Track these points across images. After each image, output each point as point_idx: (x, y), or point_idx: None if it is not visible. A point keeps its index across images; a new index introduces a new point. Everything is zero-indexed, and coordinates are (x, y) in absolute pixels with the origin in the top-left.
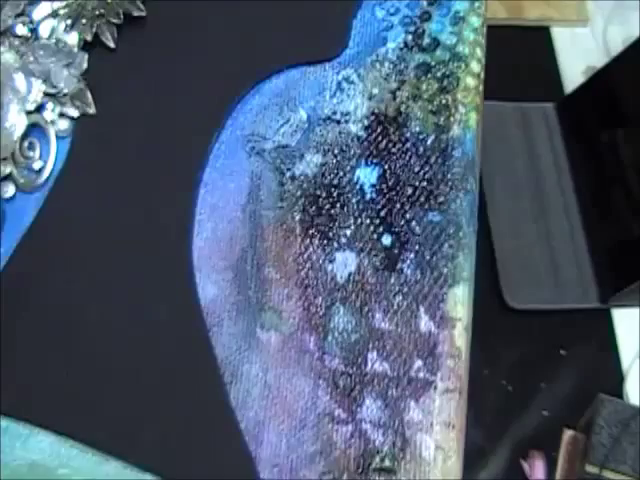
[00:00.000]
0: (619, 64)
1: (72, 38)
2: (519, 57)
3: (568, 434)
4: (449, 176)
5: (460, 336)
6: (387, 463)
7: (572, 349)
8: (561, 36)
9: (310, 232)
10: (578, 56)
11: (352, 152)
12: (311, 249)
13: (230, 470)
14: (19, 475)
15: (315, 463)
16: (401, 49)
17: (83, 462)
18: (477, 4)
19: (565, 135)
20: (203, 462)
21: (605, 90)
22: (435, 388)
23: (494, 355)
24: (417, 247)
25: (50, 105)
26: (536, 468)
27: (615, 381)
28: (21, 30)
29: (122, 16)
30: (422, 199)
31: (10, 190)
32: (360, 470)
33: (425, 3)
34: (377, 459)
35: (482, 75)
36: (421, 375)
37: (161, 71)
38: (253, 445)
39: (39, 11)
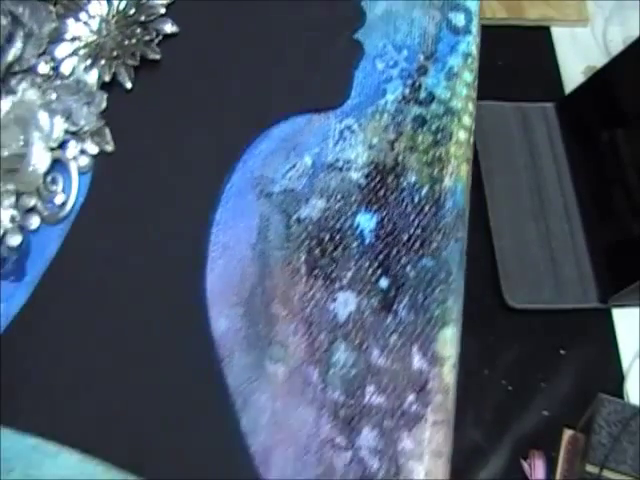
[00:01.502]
0: (619, 64)
1: (92, 78)
2: (519, 57)
3: (568, 434)
4: (441, 225)
5: (449, 373)
6: None
7: (572, 349)
8: (561, 36)
9: (314, 273)
10: (578, 56)
11: (353, 199)
12: (315, 289)
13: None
14: None
15: None
16: (399, 102)
17: (107, 479)
18: (470, 60)
19: (565, 135)
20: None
21: (605, 90)
22: (426, 420)
23: (494, 355)
24: (411, 290)
25: (72, 142)
26: (536, 468)
27: (615, 381)
28: (43, 69)
29: (138, 58)
30: (416, 246)
31: (35, 222)
32: None
33: (422, 57)
34: None
35: (473, 127)
36: (413, 408)
37: (175, 112)
38: (262, 468)
39: (61, 50)
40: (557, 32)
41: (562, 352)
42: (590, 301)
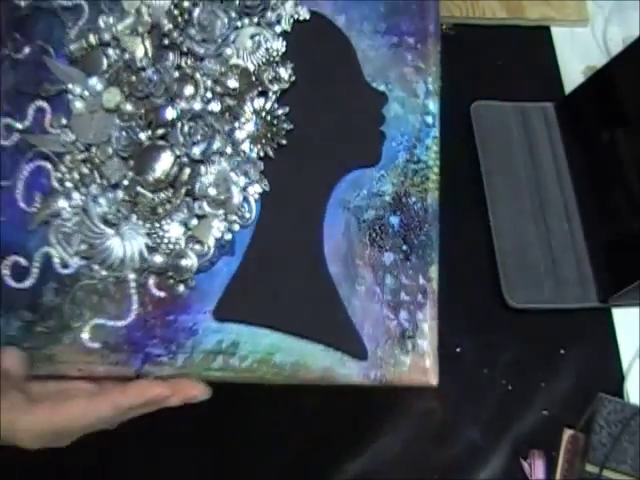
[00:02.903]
0: (619, 64)
1: (254, 153)
2: (519, 57)
3: (568, 433)
4: (428, 218)
5: (435, 283)
6: (410, 334)
7: (572, 349)
8: (561, 36)
9: (373, 244)
10: (578, 56)
11: (388, 209)
12: (374, 251)
13: (351, 338)
14: (262, 348)
15: (382, 337)
16: (405, 162)
17: (292, 342)
18: (435, 140)
19: (565, 135)
20: (348, 336)
21: (605, 90)
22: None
23: (494, 354)
24: (418, 251)
25: (249, 187)
26: (536, 467)
27: (615, 380)
28: (229, 150)
29: (276, 143)
30: (417, 229)
31: (236, 227)
32: (400, 339)
33: (414, 139)
34: (407, 334)
35: (439, 173)
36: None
37: (296, 167)
38: (358, 327)
39: (237, 135)
40: (557, 32)
41: (562, 352)
42: (590, 301)
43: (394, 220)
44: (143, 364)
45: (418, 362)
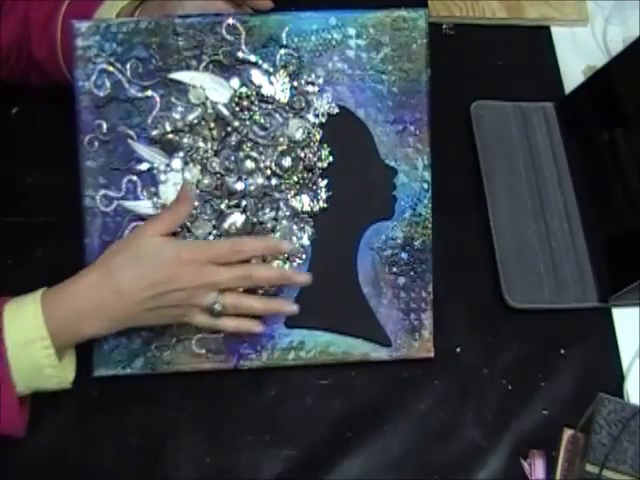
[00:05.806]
0: (619, 64)
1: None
2: (519, 57)
3: (568, 433)
4: None
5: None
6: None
7: (572, 348)
8: (561, 36)
9: (391, 272)
10: (578, 56)
11: (398, 249)
12: (391, 276)
13: (380, 333)
14: (320, 343)
15: (399, 331)
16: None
17: (340, 338)
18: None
19: (565, 134)
20: (377, 332)
21: (605, 90)
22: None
23: (494, 354)
24: None
25: (305, 236)
26: (536, 467)
27: (615, 380)
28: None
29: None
30: None
31: (295, 264)
32: (411, 332)
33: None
34: (415, 328)
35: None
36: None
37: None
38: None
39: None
40: (557, 32)
41: (562, 352)
42: (590, 300)
43: (404, 255)
44: (238, 361)
45: (422, 344)
